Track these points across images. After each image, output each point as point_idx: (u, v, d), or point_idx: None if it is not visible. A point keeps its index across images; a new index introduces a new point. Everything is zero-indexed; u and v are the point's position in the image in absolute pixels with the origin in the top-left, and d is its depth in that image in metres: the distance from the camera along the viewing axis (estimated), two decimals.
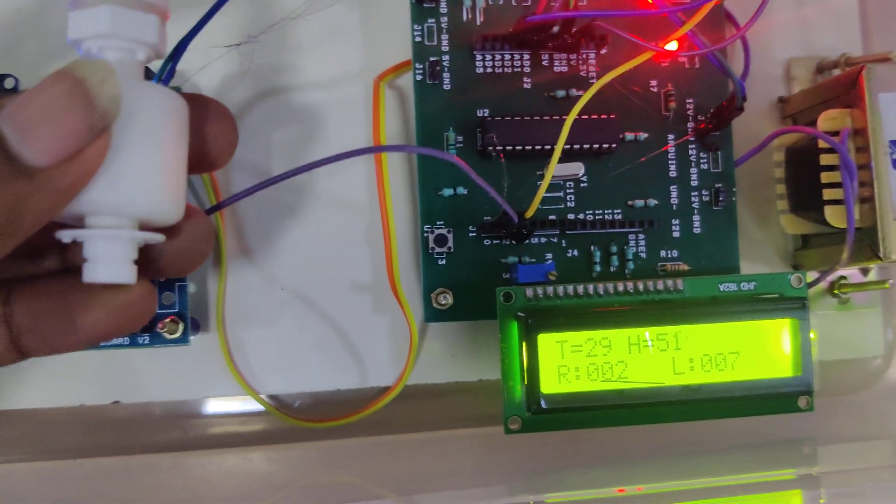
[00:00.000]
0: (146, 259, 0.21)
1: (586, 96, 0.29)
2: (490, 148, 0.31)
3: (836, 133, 0.32)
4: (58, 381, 0.32)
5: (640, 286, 0.30)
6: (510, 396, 0.30)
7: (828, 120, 0.32)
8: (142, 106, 0.19)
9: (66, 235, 0.19)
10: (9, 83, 0.31)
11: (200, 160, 0.22)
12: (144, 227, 0.21)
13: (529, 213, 0.31)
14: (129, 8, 0.20)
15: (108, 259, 0.19)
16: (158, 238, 0.20)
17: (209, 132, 0.22)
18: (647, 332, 0.30)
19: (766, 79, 0.37)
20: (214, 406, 0.34)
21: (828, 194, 0.32)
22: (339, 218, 0.34)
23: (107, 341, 0.21)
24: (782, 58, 0.37)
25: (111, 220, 0.19)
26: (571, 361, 0.29)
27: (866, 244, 0.31)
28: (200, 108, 0.22)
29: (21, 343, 0.20)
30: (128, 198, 0.19)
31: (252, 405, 0.34)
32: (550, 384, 0.29)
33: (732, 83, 0.31)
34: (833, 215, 0.32)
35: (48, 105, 0.17)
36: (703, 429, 0.32)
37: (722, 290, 0.31)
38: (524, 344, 0.29)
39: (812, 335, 0.31)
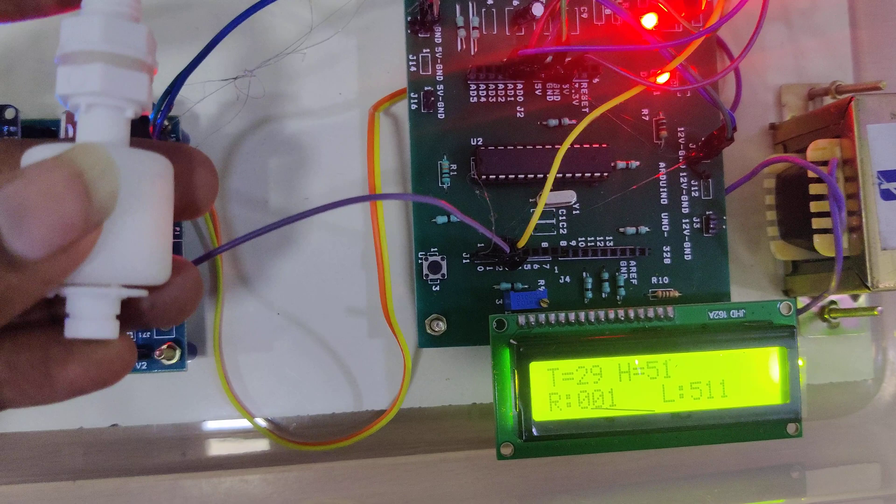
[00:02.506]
0: (134, 313, 0.21)
1: (577, 129, 0.30)
2: (483, 177, 0.32)
3: (825, 163, 0.32)
4: (57, 405, 0.33)
5: (631, 314, 0.31)
6: (503, 423, 0.30)
7: (817, 150, 0.32)
8: (129, 176, 0.19)
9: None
10: (9, 113, 0.31)
11: (183, 209, 0.22)
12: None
13: (522, 243, 0.31)
14: (120, 67, 0.19)
15: (92, 316, 0.19)
16: (142, 293, 0.20)
17: (192, 182, 0.22)
18: (637, 360, 0.30)
19: (757, 105, 0.37)
20: (212, 429, 0.35)
21: (816, 223, 0.32)
22: (335, 243, 0.34)
23: (85, 394, 0.21)
24: (774, 84, 0.37)
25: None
26: (563, 389, 0.30)
27: (854, 273, 0.32)
28: (184, 160, 0.22)
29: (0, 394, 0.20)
30: (117, 269, 0.19)
31: (249, 428, 0.34)
32: (542, 412, 0.30)
33: (723, 114, 0.32)
34: (822, 244, 0.32)
35: (45, 194, 0.16)
36: (692, 454, 0.32)
37: (712, 317, 0.31)
38: (516, 372, 0.30)
39: (801, 362, 0.31)
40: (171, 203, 0.21)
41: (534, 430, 0.29)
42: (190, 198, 0.22)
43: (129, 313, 0.21)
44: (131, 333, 0.32)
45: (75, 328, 0.19)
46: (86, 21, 0.19)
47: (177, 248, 0.32)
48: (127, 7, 0.20)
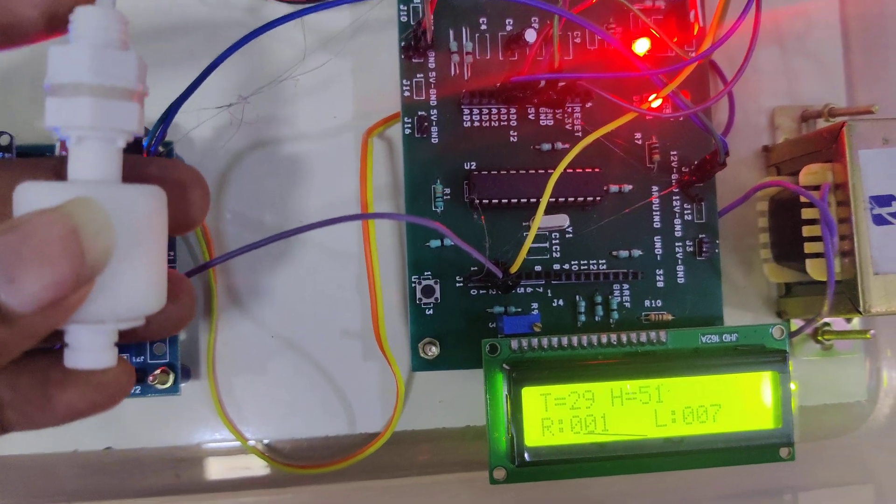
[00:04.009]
0: (130, 331, 0.21)
1: (569, 156, 0.30)
2: (477, 201, 0.32)
3: (817, 187, 0.32)
4: (52, 428, 0.33)
5: (624, 338, 0.31)
6: (495, 447, 0.30)
7: (809, 174, 0.32)
8: (123, 216, 0.19)
9: None
10: (4, 140, 0.31)
11: (175, 226, 0.22)
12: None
13: (514, 269, 0.31)
14: (110, 98, 0.19)
15: (90, 348, 0.19)
16: (140, 323, 0.20)
17: (184, 200, 0.22)
18: (629, 385, 0.30)
19: (750, 128, 0.37)
20: (206, 451, 0.35)
21: (809, 247, 0.32)
22: (329, 266, 0.35)
23: (84, 418, 0.21)
24: (767, 107, 0.37)
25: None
26: (555, 414, 0.30)
27: (847, 297, 0.32)
28: (176, 179, 0.22)
29: (2, 417, 0.20)
30: (114, 307, 0.19)
31: (242, 451, 0.34)
32: (534, 437, 0.30)
33: (715, 140, 0.32)
34: (814, 268, 0.32)
35: (38, 250, 0.16)
36: (685, 478, 0.32)
37: (704, 341, 0.31)
38: (509, 397, 0.30)
39: (793, 386, 0.31)
40: (165, 234, 0.21)
41: (526, 455, 0.30)
42: (182, 216, 0.22)
43: (125, 331, 0.21)
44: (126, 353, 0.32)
45: (74, 359, 0.19)
46: (74, 51, 0.19)
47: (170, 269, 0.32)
48: (115, 34, 0.20)
